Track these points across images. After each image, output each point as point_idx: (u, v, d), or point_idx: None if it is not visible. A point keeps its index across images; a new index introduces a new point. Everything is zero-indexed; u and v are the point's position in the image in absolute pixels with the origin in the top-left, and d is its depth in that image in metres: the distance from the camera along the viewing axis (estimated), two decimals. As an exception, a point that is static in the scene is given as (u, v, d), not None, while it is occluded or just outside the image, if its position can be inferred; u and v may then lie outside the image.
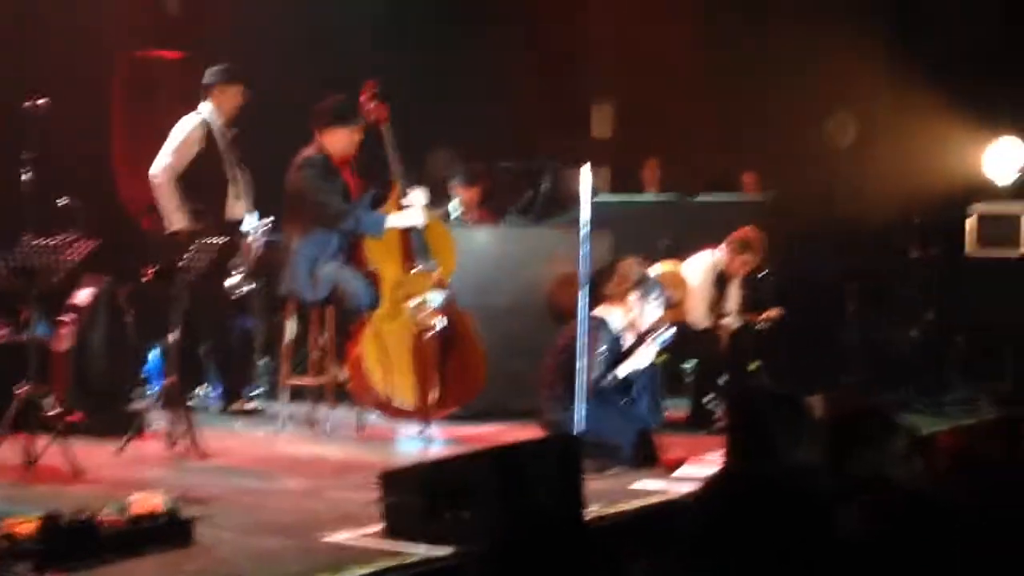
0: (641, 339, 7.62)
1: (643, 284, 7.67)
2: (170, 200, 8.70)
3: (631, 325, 7.66)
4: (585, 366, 7.16)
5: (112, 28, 10.29)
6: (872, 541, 2.77)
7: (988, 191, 11.14)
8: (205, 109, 8.85)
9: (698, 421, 9.01)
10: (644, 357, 7.58)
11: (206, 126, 8.79)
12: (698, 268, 9.45)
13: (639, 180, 12.87)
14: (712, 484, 2.68)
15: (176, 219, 8.68)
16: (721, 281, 9.58)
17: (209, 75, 8.89)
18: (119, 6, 10.28)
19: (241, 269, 8.64)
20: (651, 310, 7.66)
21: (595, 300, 7.65)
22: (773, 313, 9.60)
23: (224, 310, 8.88)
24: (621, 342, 7.63)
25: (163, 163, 8.72)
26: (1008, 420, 7.79)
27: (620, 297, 7.66)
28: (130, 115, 10.95)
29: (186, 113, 8.93)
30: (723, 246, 9.50)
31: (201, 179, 8.73)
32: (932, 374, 10.80)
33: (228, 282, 8.58)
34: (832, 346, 10.98)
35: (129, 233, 9.42)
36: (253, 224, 8.75)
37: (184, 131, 8.77)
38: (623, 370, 7.52)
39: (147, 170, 8.83)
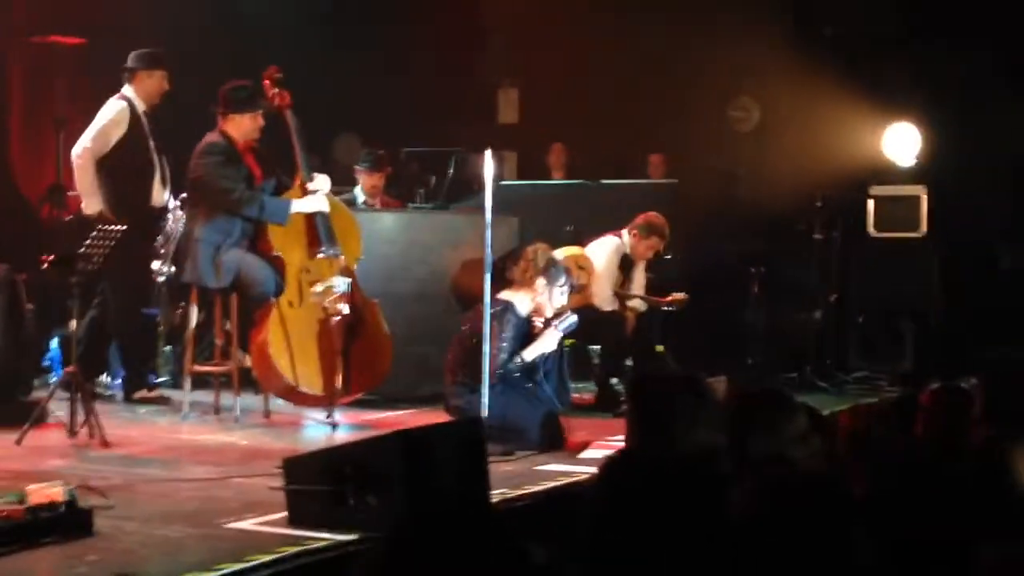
0: (547, 324, 7.65)
1: (550, 269, 7.69)
2: (89, 183, 8.58)
3: (538, 310, 7.68)
4: (491, 351, 7.18)
5: (5, 14, 10.13)
6: (767, 522, 2.80)
7: (888, 174, 11.29)
8: (128, 93, 8.72)
9: (605, 404, 9.06)
10: (549, 342, 7.61)
11: (130, 110, 8.66)
12: (603, 252, 9.50)
13: (545, 165, 12.91)
14: (609, 466, 2.69)
15: (93, 203, 8.57)
16: (626, 265, 9.64)
17: (133, 60, 8.75)
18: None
19: (163, 253, 8.61)
20: (558, 295, 7.68)
21: (501, 285, 7.67)
22: (678, 297, 9.67)
23: (135, 298, 8.79)
24: (527, 326, 7.65)
25: (84, 145, 8.59)
26: (907, 399, 7.90)
27: (527, 282, 7.68)
28: (27, 101, 10.80)
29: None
30: (629, 230, 9.55)
31: (124, 164, 8.61)
32: (834, 354, 10.95)
33: (153, 266, 8.54)
34: (736, 328, 11.10)
35: (27, 221, 9.30)
36: (174, 206, 8.70)
37: (108, 114, 8.64)
38: (529, 354, 7.54)
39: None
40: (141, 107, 8.71)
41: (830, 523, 2.79)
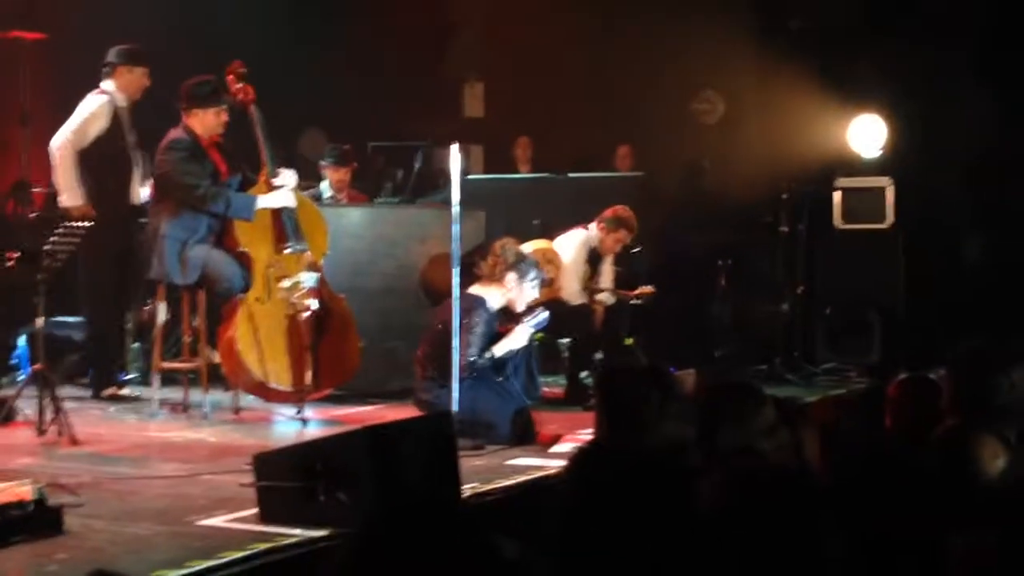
0: (518, 319, 7.64)
1: (519, 264, 7.69)
2: (70, 176, 8.55)
3: (508, 305, 7.68)
4: (461, 345, 7.19)
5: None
6: (735, 514, 2.81)
7: (854, 166, 11.33)
8: (109, 88, 8.69)
9: (574, 397, 9.07)
10: (520, 338, 7.60)
11: (111, 105, 8.63)
12: (571, 245, 9.51)
13: (512, 159, 12.91)
14: (577, 460, 2.70)
15: (72, 196, 8.54)
16: (594, 258, 9.64)
17: (114, 55, 8.73)
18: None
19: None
20: (528, 290, 7.68)
21: (470, 280, 7.67)
22: (646, 290, 9.68)
23: (109, 295, 8.76)
24: (497, 321, 7.65)
25: (64, 137, 8.56)
26: (875, 391, 7.94)
27: (496, 277, 7.67)
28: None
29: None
30: (596, 223, 9.56)
31: (104, 159, 8.59)
32: (802, 346, 10.99)
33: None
34: (704, 321, 11.13)
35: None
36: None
37: (89, 108, 8.62)
38: (499, 350, 7.53)
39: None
40: (121, 102, 8.69)
41: (798, 515, 2.81)
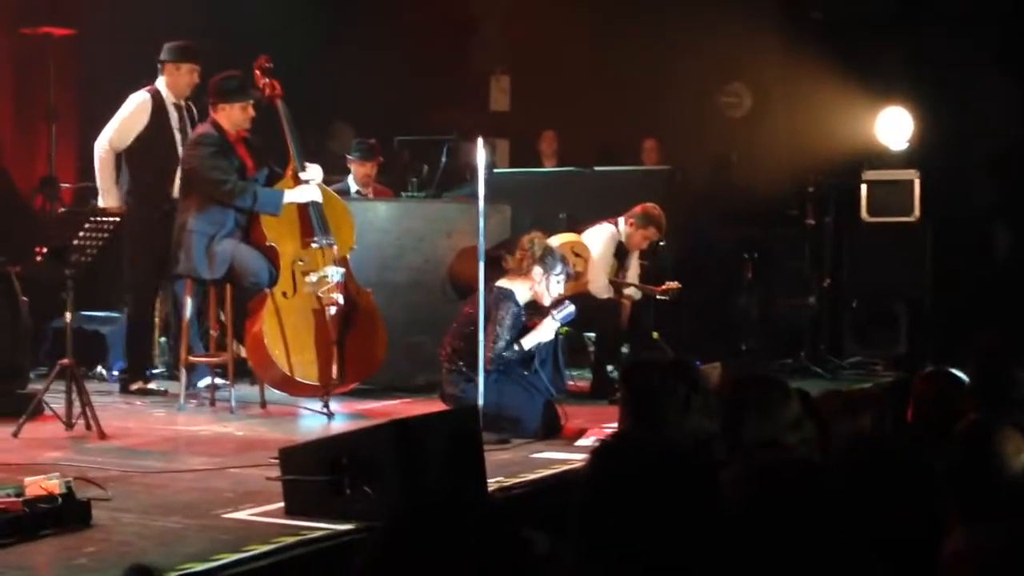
0: (545, 312, 7.64)
1: (546, 258, 7.68)
2: (107, 177, 8.60)
3: (535, 299, 7.68)
4: (488, 338, 7.20)
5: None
6: (757, 508, 2.82)
7: (881, 158, 11.30)
8: (159, 85, 8.74)
9: (600, 391, 9.07)
10: (547, 331, 7.60)
11: (155, 102, 8.67)
12: (598, 240, 9.50)
13: (537, 152, 12.91)
14: (600, 452, 2.71)
15: (107, 198, 8.59)
16: (621, 253, 9.64)
17: (164, 52, 8.78)
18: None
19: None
20: (555, 283, 7.68)
21: (496, 273, 7.68)
22: (672, 286, 9.66)
23: (150, 291, 8.81)
24: (525, 314, 7.65)
25: (107, 137, 8.62)
26: (902, 384, 7.92)
27: (524, 271, 7.67)
28: (19, 93, 10.79)
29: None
30: (626, 219, 9.55)
31: (146, 155, 8.62)
32: (828, 340, 10.97)
33: None
34: (730, 314, 11.11)
35: (21, 212, 9.29)
36: None
37: (128, 108, 8.67)
38: (527, 342, 7.53)
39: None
40: (171, 99, 8.73)
41: (821, 509, 2.81)
